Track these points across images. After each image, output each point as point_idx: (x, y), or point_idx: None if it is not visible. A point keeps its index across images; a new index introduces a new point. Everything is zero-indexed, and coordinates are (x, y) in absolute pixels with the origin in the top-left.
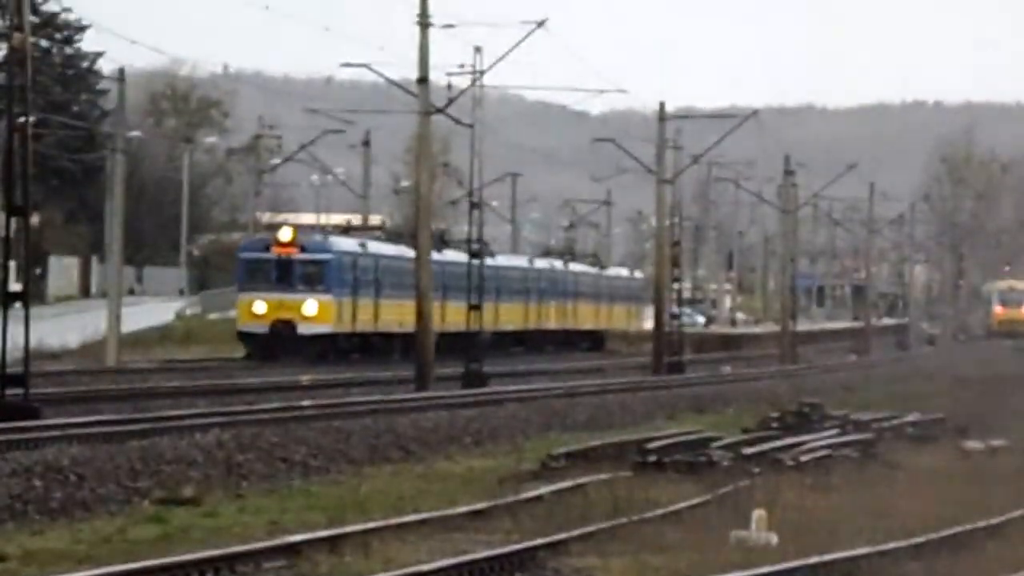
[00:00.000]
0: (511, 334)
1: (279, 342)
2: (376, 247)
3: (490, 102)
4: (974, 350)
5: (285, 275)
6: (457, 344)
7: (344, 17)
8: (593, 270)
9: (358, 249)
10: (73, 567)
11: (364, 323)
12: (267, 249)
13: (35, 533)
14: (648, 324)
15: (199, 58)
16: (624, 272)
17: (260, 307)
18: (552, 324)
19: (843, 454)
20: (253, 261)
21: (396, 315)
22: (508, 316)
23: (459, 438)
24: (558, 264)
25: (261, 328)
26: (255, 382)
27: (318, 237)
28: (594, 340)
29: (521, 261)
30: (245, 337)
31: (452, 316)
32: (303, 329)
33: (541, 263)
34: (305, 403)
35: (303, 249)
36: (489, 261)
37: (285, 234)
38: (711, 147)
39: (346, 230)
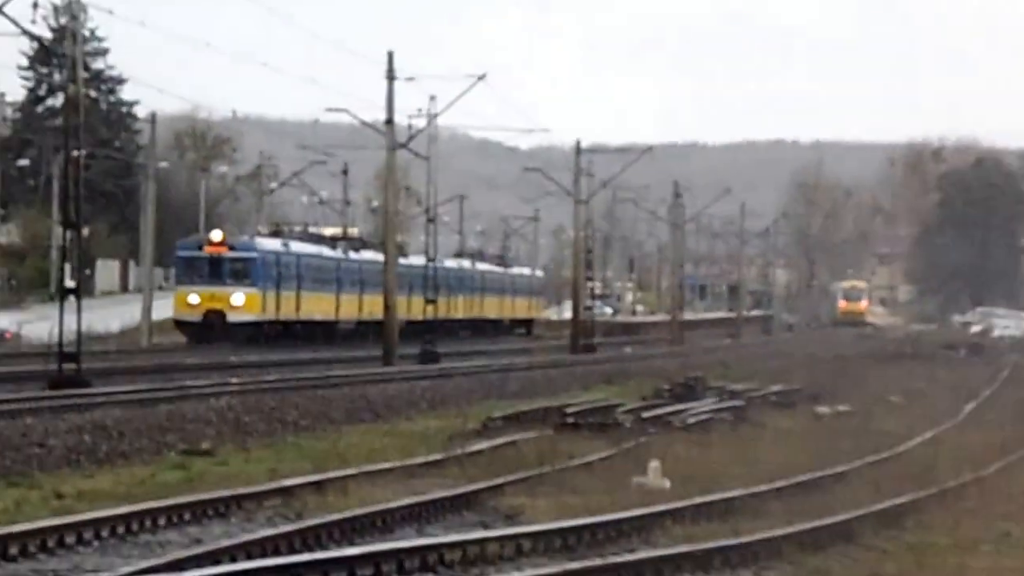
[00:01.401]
0: (422, 323)
1: (211, 329)
2: (298, 247)
3: (442, 139)
4: (823, 335)
5: (216, 271)
6: (370, 330)
7: (328, 71)
8: (499, 269)
9: (281, 248)
10: (116, 503)
11: (287, 312)
12: (200, 248)
13: (86, 477)
14: (549, 314)
15: (214, 104)
16: (527, 271)
17: (194, 298)
18: (459, 314)
19: (721, 417)
20: (188, 258)
21: (316, 306)
22: (420, 307)
23: (417, 403)
24: (466, 263)
25: (195, 317)
26: (254, 359)
27: (245, 238)
28: (499, 327)
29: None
30: (181, 325)
31: (369, 307)
32: (232, 317)
33: (450, 263)
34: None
35: (232, 248)
36: (402, 260)
37: (216, 235)
38: (617, 175)
39: (273, 233)
